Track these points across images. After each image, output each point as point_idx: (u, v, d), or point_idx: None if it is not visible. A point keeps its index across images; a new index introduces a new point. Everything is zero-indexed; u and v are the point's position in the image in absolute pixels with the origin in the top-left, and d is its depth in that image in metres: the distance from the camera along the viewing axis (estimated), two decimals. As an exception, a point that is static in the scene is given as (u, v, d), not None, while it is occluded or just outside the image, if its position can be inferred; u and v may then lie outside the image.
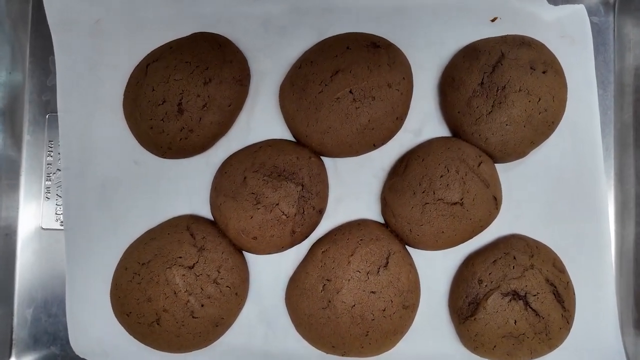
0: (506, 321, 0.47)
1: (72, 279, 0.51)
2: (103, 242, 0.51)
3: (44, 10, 0.52)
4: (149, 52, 0.52)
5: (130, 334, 0.49)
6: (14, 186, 0.55)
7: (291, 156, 0.49)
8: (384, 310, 0.47)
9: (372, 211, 0.52)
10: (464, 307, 0.48)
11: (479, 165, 0.48)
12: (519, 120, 0.48)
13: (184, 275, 0.47)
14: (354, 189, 0.52)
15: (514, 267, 0.48)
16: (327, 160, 0.52)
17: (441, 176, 0.48)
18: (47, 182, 0.55)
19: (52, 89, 0.54)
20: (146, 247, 0.49)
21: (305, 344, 0.50)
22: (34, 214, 0.55)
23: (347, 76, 0.48)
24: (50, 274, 0.54)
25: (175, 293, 0.47)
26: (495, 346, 0.48)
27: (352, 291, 0.47)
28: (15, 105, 0.55)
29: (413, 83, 0.51)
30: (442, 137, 0.52)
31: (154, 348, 0.49)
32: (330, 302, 0.47)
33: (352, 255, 0.48)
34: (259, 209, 0.48)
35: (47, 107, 0.56)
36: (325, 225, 0.51)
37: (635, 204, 0.53)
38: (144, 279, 0.48)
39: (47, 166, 0.55)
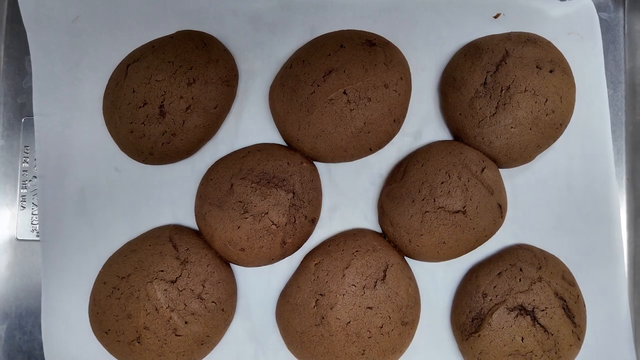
0: (512, 338, 0.46)
1: (48, 294, 0.50)
2: (81, 254, 0.50)
3: (19, 7, 0.51)
4: (130, 51, 0.51)
5: (110, 353, 0.48)
6: (-13, 195, 0.54)
7: (281, 161, 0.48)
8: (381, 327, 0.46)
9: (368, 220, 0.51)
10: (467, 322, 0.47)
11: (482, 170, 0.47)
12: (525, 122, 0.48)
13: (165, 290, 0.46)
14: (349, 196, 0.51)
15: (520, 279, 0.47)
16: (320, 166, 0.51)
17: (442, 183, 0.47)
18: (22, 191, 0.54)
19: (28, 91, 0.54)
20: (126, 259, 0.48)
21: (297, 363, 0.49)
22: (8, 224, 0.54)
23: (341, 76, 0.47)
24: (25, 288, 0.53)
25: (156, 309, 0.46)
26: (501, 365, 0.47)
27: (347, 307, 0.46)
28: (-11, 109, 0.55)
29: (411, 83, 0.50)
30: (443, 141, 0.51)
31: (134, 368, 0.48)
32: (323, 318, 0.46)
33: (347, 267, 0.47)
34: (246, 218, 0.46)
35: (23, 111, 0.55)
36: (318, 236, 0.50)
37: (648, 210, 0.53)
38: (123, 294, 0.47)
39: (23, 173, 0.54)
